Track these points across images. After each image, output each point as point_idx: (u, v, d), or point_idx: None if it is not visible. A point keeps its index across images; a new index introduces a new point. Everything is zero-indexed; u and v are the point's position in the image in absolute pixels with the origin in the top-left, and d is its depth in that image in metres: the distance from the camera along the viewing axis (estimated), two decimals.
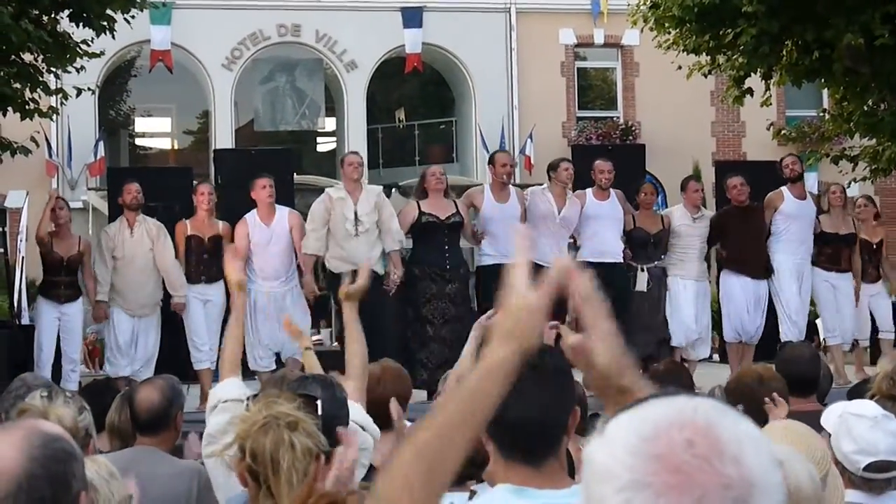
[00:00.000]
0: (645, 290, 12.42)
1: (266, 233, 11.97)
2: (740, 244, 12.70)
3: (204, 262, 12.20)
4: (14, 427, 2.52)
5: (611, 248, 12.33)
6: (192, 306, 12.18)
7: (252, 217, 12.05)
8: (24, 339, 13.06)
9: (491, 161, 12.67)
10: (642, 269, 12.46)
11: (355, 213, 11.70)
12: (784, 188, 12.88)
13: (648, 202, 12.70)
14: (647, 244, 12.53)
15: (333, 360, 10.02)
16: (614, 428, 1.56)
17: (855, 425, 4.23)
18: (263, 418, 3.40)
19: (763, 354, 12.02)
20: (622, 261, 12.40)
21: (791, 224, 12.78)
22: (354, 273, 5.71)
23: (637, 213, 12.60)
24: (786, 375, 5.88)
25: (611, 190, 12.47)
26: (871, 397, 5.18)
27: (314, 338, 12.49)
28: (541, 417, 2.87)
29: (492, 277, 11.87)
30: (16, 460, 2.29)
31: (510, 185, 12.40)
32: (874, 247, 13.37)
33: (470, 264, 13.42)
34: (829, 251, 13.05)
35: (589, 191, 12.53)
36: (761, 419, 5.14)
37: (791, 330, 12.73)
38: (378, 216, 11.81)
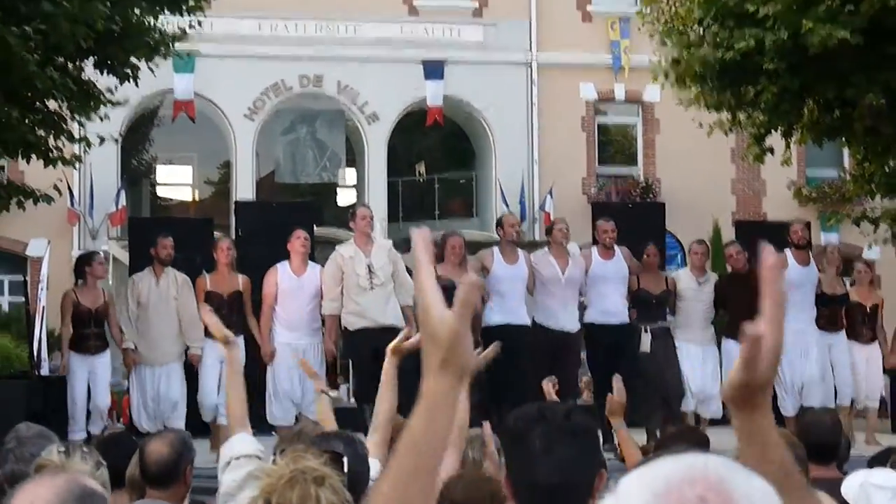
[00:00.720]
0: (648, 351, 12.45)
1: (295, 283, 12.06)
2: (740, 311, 12.65)
3: (222, 317, 12.20)
4: (58, 475, 2.63)
5: (616, 309, 12.50)
6: (207, 360, 12.29)
7: (283, 266, 12.17)
8: (43, 390, 13.06)
9: (499, 224, 12.85)
10: (646, 330, 12.51)
11: (370, 266, 11.76)
12: (788, 251, 12.89)
13: (651, 263, 12.83)
14: (650, 305, 12.60)
15: (350, 417, 9.99)
16: (627, 485, 1.56)
17: (875, 496, 4.20)
18: (290, 472, 3.38)
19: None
20: (628, 321, 12.49)
21: (793, 291, 12.72)
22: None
23: (641, 275, 12.72)
24: (805, 442, 5.78)
25: (615, 247, 12.55)
26: None
27: (332, 394, 12.49)
28: (568, 477, 2.86)
29: (499, 337, 11.89)
30: (51, 503, 2.37)
31: (518, 248, 12.58)
32: (867, 310, 13.55)
33: None
34: (827, 313, 13.25)
35: (594, 249, 12.63)
36: None
37: (784, 403, 12.74)
38: (393, 269, 11.88)
